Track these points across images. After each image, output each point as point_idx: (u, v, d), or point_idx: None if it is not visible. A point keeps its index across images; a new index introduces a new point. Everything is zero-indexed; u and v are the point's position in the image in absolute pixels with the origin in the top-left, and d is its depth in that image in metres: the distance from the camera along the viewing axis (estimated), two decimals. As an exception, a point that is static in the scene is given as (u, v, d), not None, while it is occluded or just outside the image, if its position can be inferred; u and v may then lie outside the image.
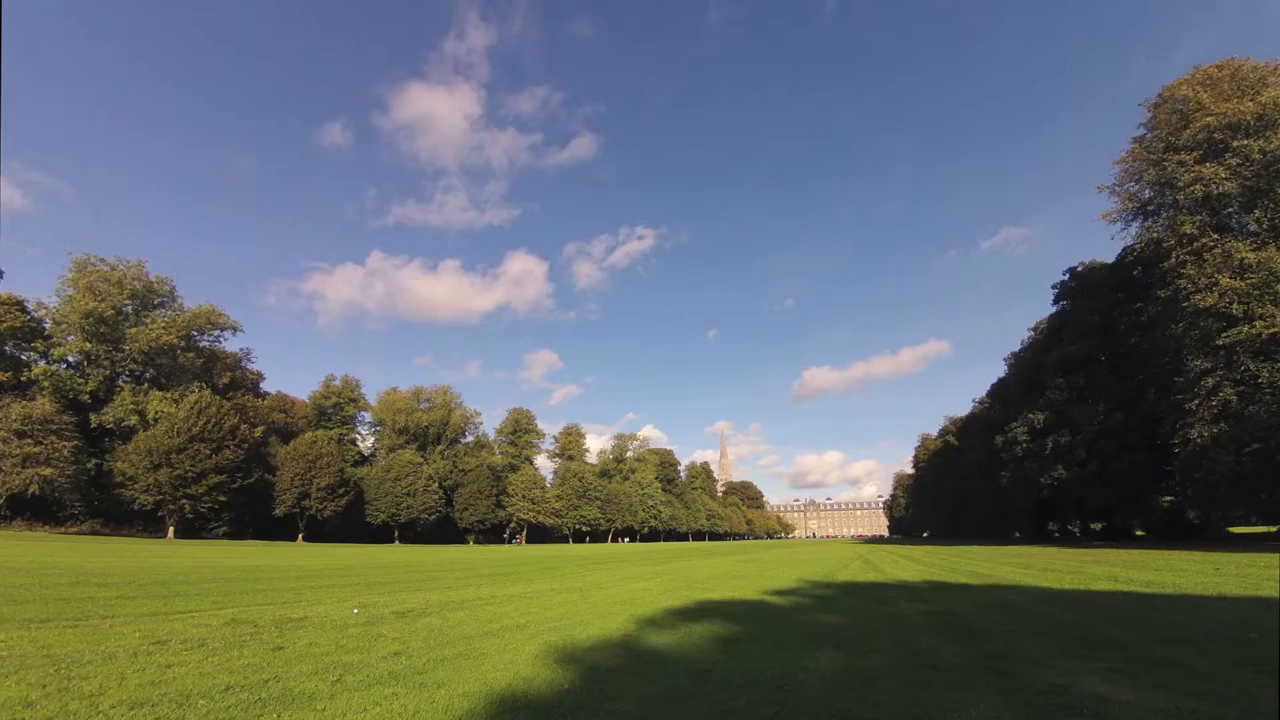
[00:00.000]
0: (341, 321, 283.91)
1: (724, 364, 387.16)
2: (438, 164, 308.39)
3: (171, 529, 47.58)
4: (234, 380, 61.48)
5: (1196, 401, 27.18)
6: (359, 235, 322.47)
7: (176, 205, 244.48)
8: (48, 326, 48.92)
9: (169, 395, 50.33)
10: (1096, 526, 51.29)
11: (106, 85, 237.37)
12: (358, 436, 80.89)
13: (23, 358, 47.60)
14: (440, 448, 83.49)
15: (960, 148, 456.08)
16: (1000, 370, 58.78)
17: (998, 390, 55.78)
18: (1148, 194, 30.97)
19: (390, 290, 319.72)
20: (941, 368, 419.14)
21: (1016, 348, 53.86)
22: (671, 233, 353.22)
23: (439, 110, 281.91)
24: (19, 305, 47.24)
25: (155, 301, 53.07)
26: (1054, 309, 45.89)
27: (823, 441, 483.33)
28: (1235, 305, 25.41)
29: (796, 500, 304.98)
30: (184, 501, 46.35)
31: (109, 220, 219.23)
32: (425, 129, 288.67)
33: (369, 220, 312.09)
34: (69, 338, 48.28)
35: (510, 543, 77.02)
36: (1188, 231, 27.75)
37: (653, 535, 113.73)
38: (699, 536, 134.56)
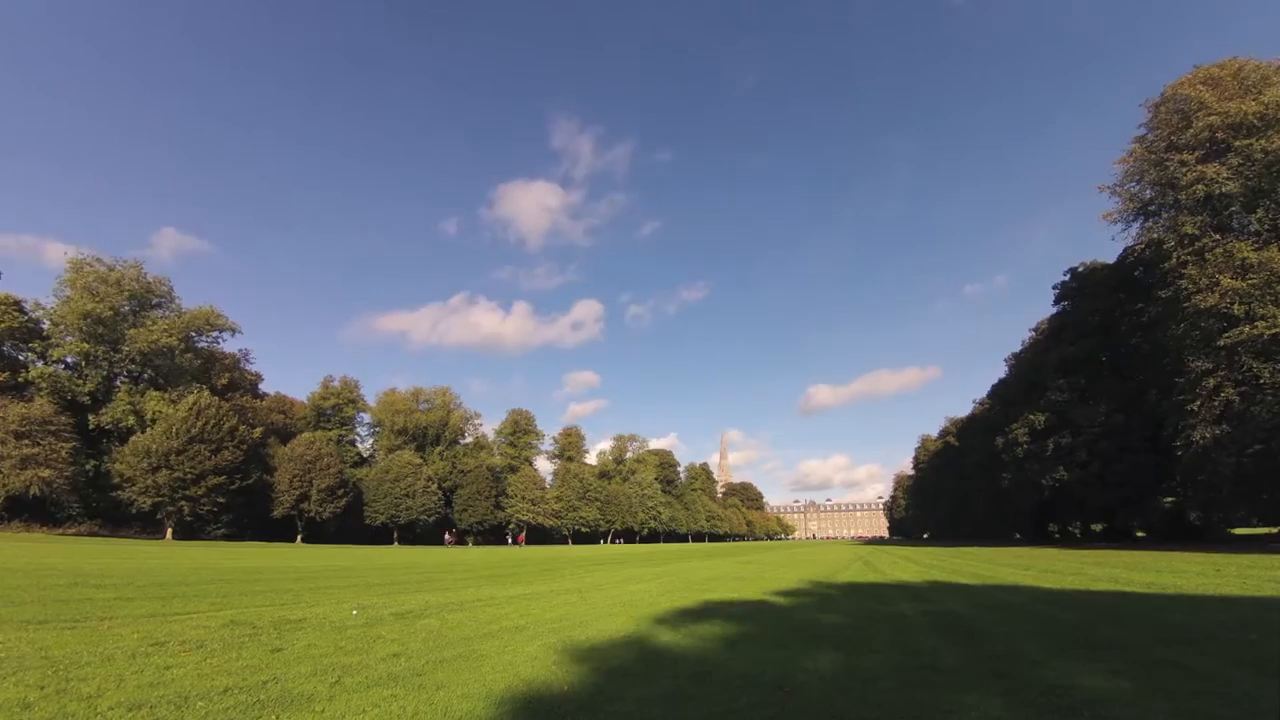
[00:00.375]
0: (420, 354, 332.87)
1: (737, 377, 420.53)
2: (528, 245, 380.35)
3: (170, 530, 47.47)
4: (232, 381, 61.45)
5: (1198, 402, 27.00)
6: (449, 288, 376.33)
7: (295, 261, 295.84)
8: (45, 327, 48.84)
9: (167, 396, 50.28)
10: (1097, 528, 51.21)
11: (288, 180, 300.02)
12: (356, 437, 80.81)
13: (20, 358, 47.53)
14: (439, 449, 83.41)
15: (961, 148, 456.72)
16: (1000, 371, 58.80)
17: (998, 391, 55.69)
18: (1149, 194, 30.79)
19: (461, 325, 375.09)
20: (940, 386, 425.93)
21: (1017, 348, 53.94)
22: (717, 288, 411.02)
23: (540, 205, 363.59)
24: (17, 306, 47.16)
25: (153, 302, 53.02)
26: (1055, 309, 45.81)
27: (828, 446, 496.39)
28: (1237, 306, 25.24)
29: (796, 501, 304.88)
30: (183, 503, 46.25)
31: (239, 272, 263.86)
32: (523, 219, 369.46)
33: (465, 280, 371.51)
34: (67, 338, 48.19)
35: (511, 543, 77.24)
36: (1189, 231, 27.57)
37: (652, 536, 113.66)
38: (698, 538, 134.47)
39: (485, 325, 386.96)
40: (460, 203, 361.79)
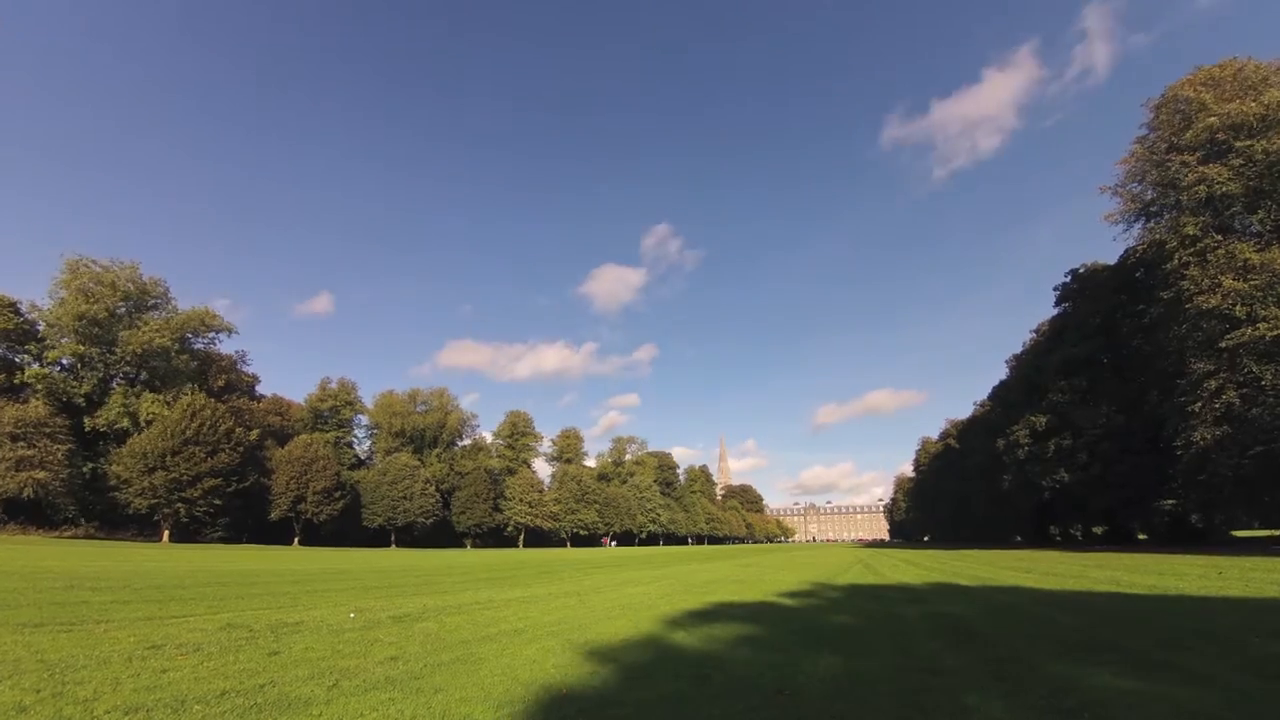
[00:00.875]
0: (494, 384, 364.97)
1: (754, 393, 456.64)
2: (610, 314, 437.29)
3: (166, 533, 47.28)
4: (229, 383, 61.27)
5: (1199, 404, 26.85)
6: (527, 336, 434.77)
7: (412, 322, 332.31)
8: (41, 329, 48.64)
9: (162, 398, 50.08)
10: (1098, 530, 51.20)
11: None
12: (354, 439, 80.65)
13: (16, 360, 47.34)
14: (437, 451, 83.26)
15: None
16: (1002, 372, 58.66)
17: (999, 393, 55.54)
18: (1150, 195, 30.63)
19: (533, 360, 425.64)
20: (936, 404, 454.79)
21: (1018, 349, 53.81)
22: (750, 328, 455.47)
23: (624, 284, 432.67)
24: (12, 307, 46.93)
25: (148, 303, 52.85)
26: (1056, 311, 45.62)
27: (834, 455, 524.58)
28: (1238, 307, 25.06)
29: (796, 504, 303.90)
30: (179, 505, 46.08)
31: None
32: (603, 296, 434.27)
33: (543, 332, 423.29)
34: (62, 340, 48.00)
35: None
36: (1190, 233, 27.40)
37: (651, 539, 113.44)
38: (698, 540, 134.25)
39: (553, 361, 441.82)
40: (557, 287, 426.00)
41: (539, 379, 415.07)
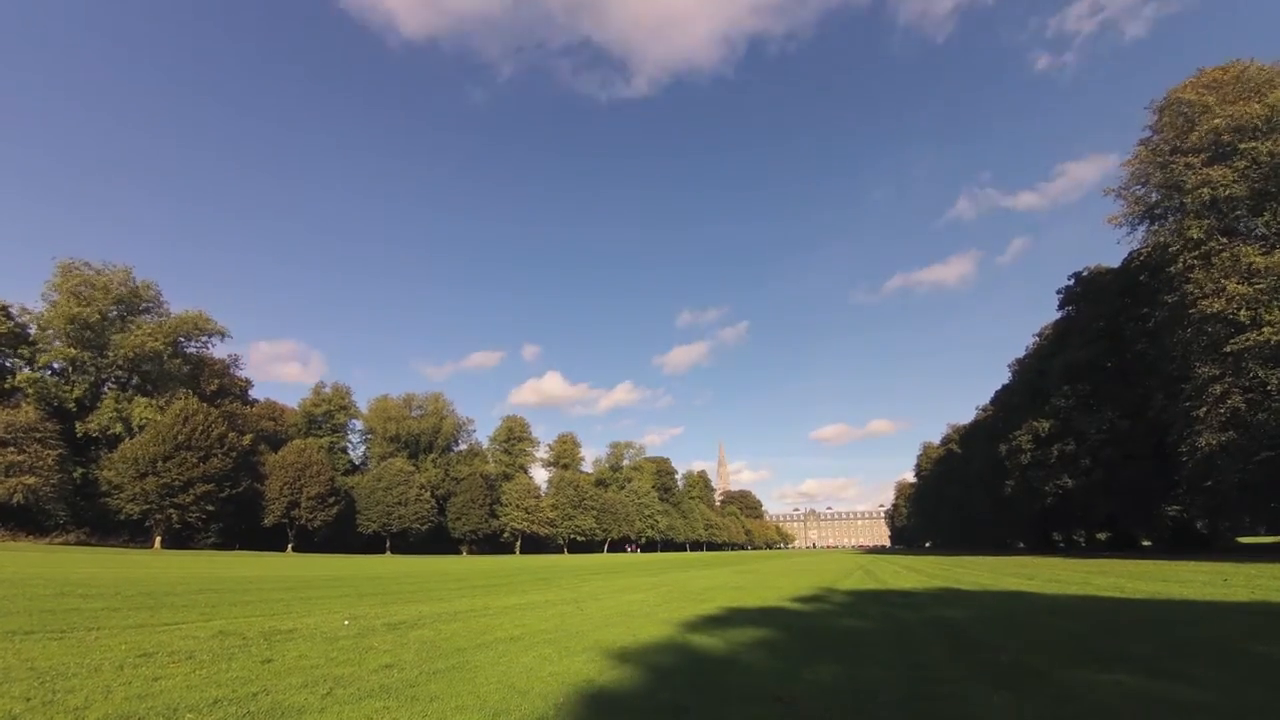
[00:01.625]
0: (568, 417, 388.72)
1: (767, 414, 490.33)
2: (679, 373, 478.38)
3: (158, 539, 46.83)
4: (222, 387, 60.96)
5: (1204, 409, 26.52)
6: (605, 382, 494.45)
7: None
8: (32, 332, 48.23)
9: (154, 402, 49.70)
10: (1102, 536, 51.04)
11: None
12: (348, 444, 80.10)
13: (7, 364, 46.98)
14: (432, 456, 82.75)
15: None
16: (1004, 377, 58.52)
17: (1001, 397, 55.37)
18: (1154, 197, 30.38)
19: (606, 399, 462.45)
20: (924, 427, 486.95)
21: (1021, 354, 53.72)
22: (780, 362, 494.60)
23: (697, 354, 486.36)
24: (3, 310, 46.65)
25: (141, 306, 52.50)
26: (1059, 314, 45.42)
27: (840, 470, 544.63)
28: (1243, 311, 24.77)
29: (796, 510, 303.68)
30: (171, 511, 45.66)
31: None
32: (672, 364, 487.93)
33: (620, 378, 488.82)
34: (54, 343, 47.63)
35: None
36: (1194, 236, 27.11)
37: (649, 546, 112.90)
38: (696, 547, 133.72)
39: (619, 399, 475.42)
40: (645, 356, 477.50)
41: (601, 411, 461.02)
